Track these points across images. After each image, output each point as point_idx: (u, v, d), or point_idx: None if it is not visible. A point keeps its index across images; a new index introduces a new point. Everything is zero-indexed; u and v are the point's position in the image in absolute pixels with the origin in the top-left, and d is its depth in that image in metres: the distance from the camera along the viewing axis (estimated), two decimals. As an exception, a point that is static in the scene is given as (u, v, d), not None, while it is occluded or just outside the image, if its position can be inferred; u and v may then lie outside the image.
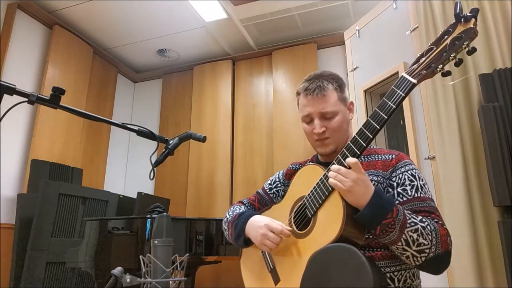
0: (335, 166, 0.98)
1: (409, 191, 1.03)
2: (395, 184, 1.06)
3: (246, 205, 1.35)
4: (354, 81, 2.99)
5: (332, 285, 0.87)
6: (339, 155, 1.01)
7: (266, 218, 1.14)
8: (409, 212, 0.96)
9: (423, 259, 0.92)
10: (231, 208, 1.34)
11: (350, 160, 0.95)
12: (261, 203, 1.32)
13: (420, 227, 0.92)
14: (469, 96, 2.04)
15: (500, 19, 2.04)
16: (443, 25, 2.14)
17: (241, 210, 1.28)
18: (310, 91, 1.15)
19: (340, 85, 1.18)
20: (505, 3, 2.05)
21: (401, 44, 2.55)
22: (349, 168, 0.95)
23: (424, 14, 2.31)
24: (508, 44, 1.98)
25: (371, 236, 1.01)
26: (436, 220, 0.98)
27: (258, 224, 1.13)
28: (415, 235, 0.91)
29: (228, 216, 1.30)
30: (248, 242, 1.19)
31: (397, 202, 1.03)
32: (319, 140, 1.15)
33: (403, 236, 0.91)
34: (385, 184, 1.07)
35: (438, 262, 0.95)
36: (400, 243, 0.92)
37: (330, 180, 0.96)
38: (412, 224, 0.92)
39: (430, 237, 0.92)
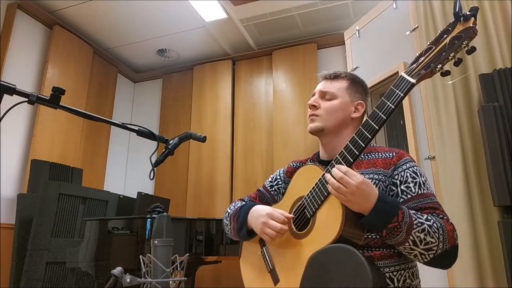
0: (335, 173, 0.96)
1: (412, 188, 1.04)
2: (398, 182, 1.06)
3: (247, 202, 1.35)
4: (354, 81, 2.98)
5: (331, 286, 0.87)
6: (338, 156, 1.01)
7: (267, 207, 1.15)
8: (414, 212, 0.97)
9: (431, 256, 0.93)
10: (232, 204, 1.34)
11: (342, 169, 0.94)
12: (262, 200, 1.32)
13: (426, 226, 0.93)
14: (469, 96, 2.04)
15: (500, 19, 2.04)
16: (443, 25, 2.11)
17: (242, 204, 1.28)
18: (324, 74, 1.26)
19: (355, 81, 1.24)
20: (505, 3, 2.05)
21: (401, 44, 2.55)
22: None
23: (424, 14, 2.31)
24: (508, 44, 1.98)
25: (375, 236, 1.01)
26: (441, 216, 0.99)
27: (259, 212, 1.13)
28: (422, 235, 0.92)
29: (229, 211, 1.30)
30: (251, 234, 1.19)
31: (401, 200, 1.04)
32: (310, 115, 1.21)
33: (410, 237, 0.92)
34: (387, 182, 1.07)
35: (446, 258, 0.95)
36: (407, 244, 0.93)
37: (331, 190, 0.96)
38: (419, 224, 0.93)
39: (437, 234, 0.93)
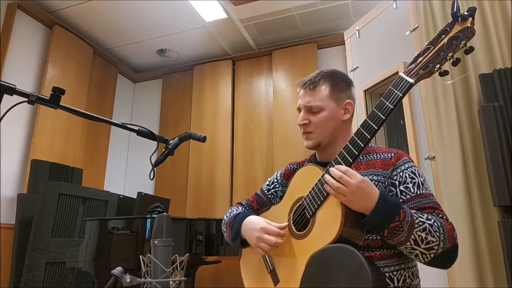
0: (334, 173, 0.95)
1: (411, 189, 1.04)
2: (396, 182, 1.06)
3: (245, 206, 1.35)
4: (354, 81, 2.98)
5: (331, 286, 0.87)
6: (337, 156, 1.01)
7: (261, 220, 1.13)
8: (415, 211, 0.97)
9: (432, 255, 0.93)
10: (229, 210, 1.34)
11: (341, 169, 0.94)
12: (260, 204, 1.32)
13: (427, 225, 0.93)
14: (469, 96, 2.04)
15: (500, 19, 2.03)
16: (443, 25, 2.13)
17: (237, 211, 1.28)
18: (302, 84, 1.21)
19: (336, 82, 1.19)
20: (505, 3, 2.04)
21: (401, 44, 2.55)
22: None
23: (424, 14, 2.31)
24: (508, 44, 1.98)
25: (375, 237, 1.01)
26: (440, 215, 0.99)
27: (253, 226, 1.13)
28: (423, 234, 0.92)
29: (225, 218, 1.31)
30: (245, 243, 1.19)
31: (400, 200, 1.03)
32: (303, 133, 1.20)
33: (412, 237, 0.92)
34: (386, 183, 1.07)
35: (447, 257, 0.96)
36: (408, 243, 0.93)
37: (330, 191, 0.95)
38: (420, 223, 0.93)
39: (438, 233, 0.93)
